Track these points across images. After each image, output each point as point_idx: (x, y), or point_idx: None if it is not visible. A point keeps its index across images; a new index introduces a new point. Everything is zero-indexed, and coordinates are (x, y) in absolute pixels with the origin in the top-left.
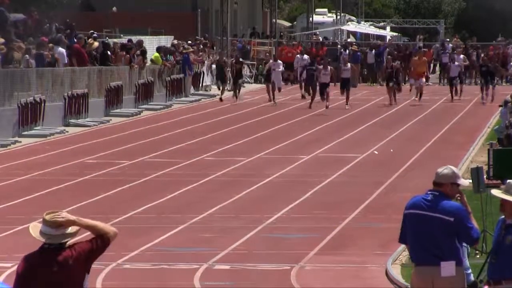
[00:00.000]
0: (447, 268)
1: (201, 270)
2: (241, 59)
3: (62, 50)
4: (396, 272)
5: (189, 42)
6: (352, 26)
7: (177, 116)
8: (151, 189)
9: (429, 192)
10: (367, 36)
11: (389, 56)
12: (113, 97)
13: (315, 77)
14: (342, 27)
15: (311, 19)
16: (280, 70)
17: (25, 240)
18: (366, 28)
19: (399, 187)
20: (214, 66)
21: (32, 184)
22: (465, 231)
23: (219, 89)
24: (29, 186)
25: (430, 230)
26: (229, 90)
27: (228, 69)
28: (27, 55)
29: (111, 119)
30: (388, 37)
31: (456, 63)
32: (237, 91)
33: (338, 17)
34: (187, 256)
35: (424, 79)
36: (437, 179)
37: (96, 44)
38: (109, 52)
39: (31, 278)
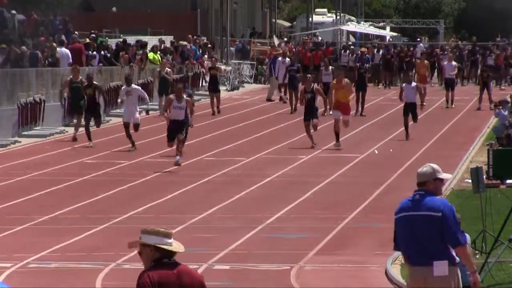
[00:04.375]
0: (440, 267)
1: (201, 270)
2: (95, 82)
3: (66, 50)
4: (396, 272)
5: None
6: (351, 26)
7: None
8: (151, 189)
9: (415, 193)
10: (367, 36)
11: (309, 76)
12: (113, 97)
13: (297, 79)
14: (342, 27)
15: (310, 19)
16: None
17: (25, 240)
18: (365, 28)
19: (399, 187)
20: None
21: (31, 184)
22: (450, 228)
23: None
24: (28, 186)
25: (421, 229)
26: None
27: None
28: (26, 56)
29: (111, 119)
30: (388, 37)
31: (413, 83)
32: (89, 130)
33: (338, 17)
34: (187, 256)
35: (426, 84)
36: (419, 178)
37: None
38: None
39: None
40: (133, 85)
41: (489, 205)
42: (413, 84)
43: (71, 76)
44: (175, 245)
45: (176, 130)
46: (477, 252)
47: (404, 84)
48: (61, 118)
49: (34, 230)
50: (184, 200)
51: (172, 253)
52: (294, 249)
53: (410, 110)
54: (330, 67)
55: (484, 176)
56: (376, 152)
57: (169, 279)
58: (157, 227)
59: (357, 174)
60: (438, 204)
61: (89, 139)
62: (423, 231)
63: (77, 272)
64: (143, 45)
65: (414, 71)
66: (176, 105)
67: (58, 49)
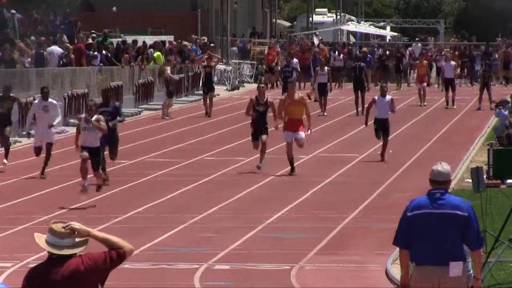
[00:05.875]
0: (455, 268)
1: (201, 270)
2: (12, 94)
3: (60, 50)
4: (396, 272)
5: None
6: (352, 26)
7: (177, 116)
8: (151, 189)
9: (434, 191)
10: (367, 36)
11: (262, 85)
12: (113, 97)
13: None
14: (342, 27)
15: (311, 19)
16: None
17: (25, 240)
18: (366, 28)
19: (399, 187)
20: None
21: (32, 184)
22: (474, 229)
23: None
24: (29, 186)
25: (442, 228)
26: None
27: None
28: (24, 55)
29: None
30: (388, 37)
31: (388, 97)
32: (5, 147)
33: (338, 17)
34: (187, 256)
35: (425, 84)
36: (440, 177)
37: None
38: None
39: None
40: (50, 99)
41: (490, 205)
42: (388, 97)
43: None
44: (66, 250)
45: (92, 161)
46: None
47: (376, 97)
48: (62, 118)
49: (34, 230)
50: (184, 200)
51: (56, 249)
52: (294, 249)
53: (381, 128)
54: (326, 67)
55: (485, 176)
56: (390, 151)
57: (39, 274)
58: (56, 225)
59: (357, 174)
60: (463, 203)
61: (6, 157)
62: (444, 230)
63: None
64: (153, 45)
65: (411, 71)
66: (85, 125)
67: (53, 47)
